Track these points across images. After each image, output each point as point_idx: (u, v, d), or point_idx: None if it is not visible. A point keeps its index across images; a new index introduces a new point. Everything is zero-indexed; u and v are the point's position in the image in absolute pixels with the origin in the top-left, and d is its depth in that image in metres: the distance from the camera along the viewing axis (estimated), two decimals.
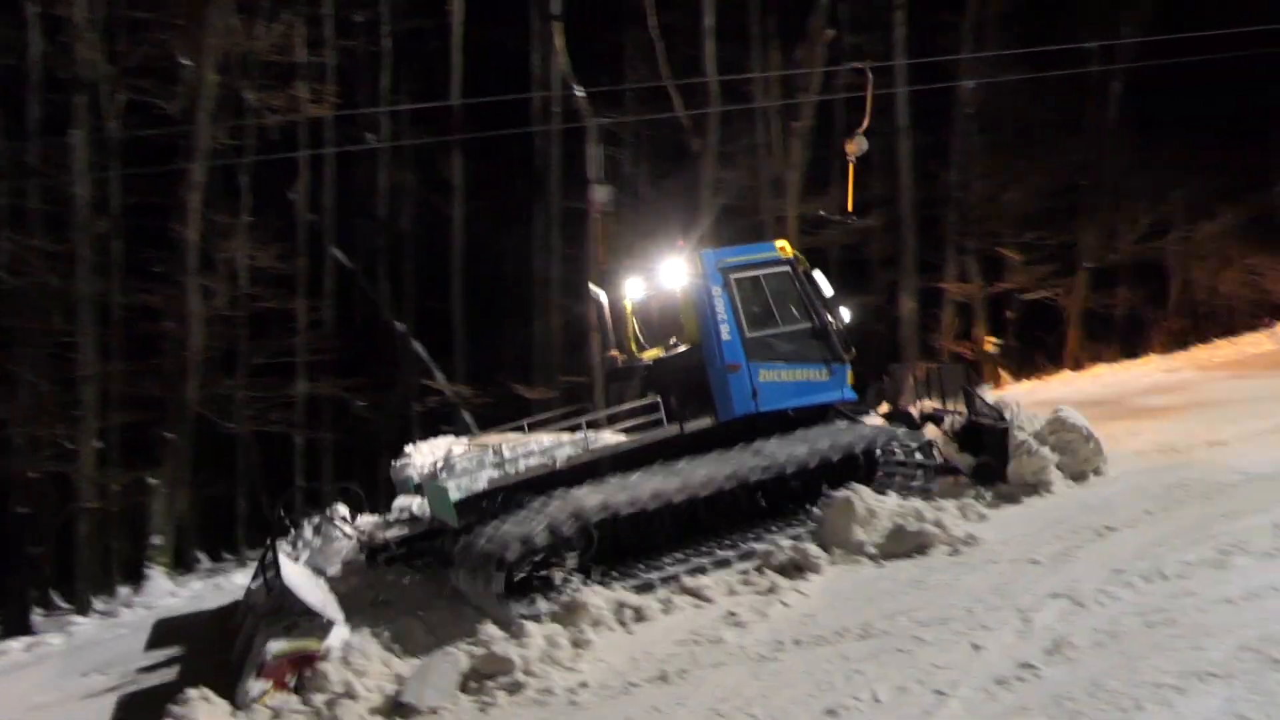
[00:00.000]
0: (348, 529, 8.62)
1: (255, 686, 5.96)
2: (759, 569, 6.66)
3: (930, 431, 9.06)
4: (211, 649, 7.55)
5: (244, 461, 17.69)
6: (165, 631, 8.48)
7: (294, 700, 5.84)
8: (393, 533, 8.50)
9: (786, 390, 8.65)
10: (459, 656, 5.82)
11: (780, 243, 9.13)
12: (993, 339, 20.45)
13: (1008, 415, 8.59)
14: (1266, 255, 20.43)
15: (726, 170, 18.83)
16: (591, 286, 10.58)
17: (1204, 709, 3.79)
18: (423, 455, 8.62)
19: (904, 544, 6.63)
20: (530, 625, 6.01)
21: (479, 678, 5.60)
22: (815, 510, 7.27)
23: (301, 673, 6.00)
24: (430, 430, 19.15)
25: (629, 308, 10.00)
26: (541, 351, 19.54)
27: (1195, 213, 20.73)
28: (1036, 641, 4.74)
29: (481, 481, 7.45)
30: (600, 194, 13.77)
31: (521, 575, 6.84)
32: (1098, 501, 7.23)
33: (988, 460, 8.60)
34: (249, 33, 15.52)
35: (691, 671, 5.23)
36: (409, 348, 19.40)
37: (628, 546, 7.31)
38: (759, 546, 7.04)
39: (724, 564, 6.98)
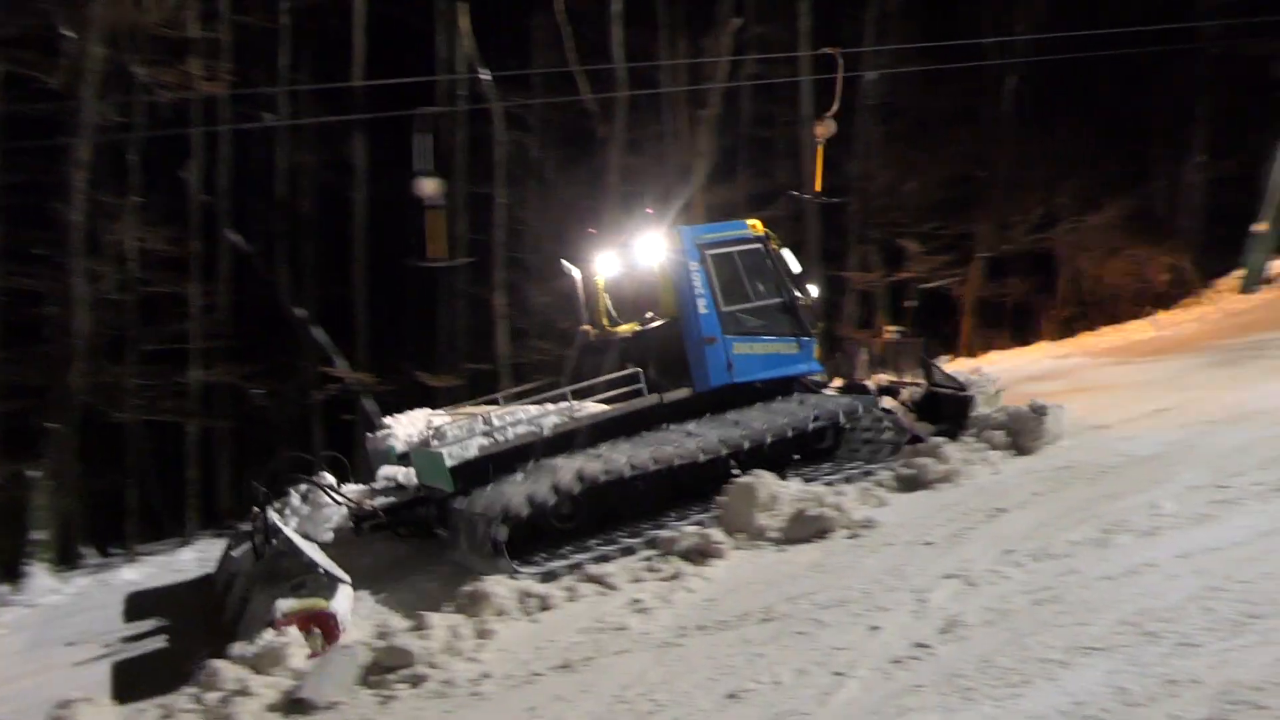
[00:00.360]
0: (337, 496, 8.79)
1: (267, 636, 5.96)
2: (664, 555, 6.69)
3: (887, 403, 9.49)
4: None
5: (134, 452, 17.03)
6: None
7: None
8: (379, 501, 8.76)
9: (759, 362, 9.08)
10: (357, 651, 5.72)
11: (752, 221, 9.53)
12: (892, 327, 20.94)
13: (968, 385, 9.46)
14: (1148, 246, 21.31)
15: (634, 157, 18.83)
16: (564, 262, 10.78)
17: (1086, 681, 3.93)
18: (403, 427, 9.20)
19: (805, 528, 6.73)
20: (433, 616, 5.95)
21: (380, 670, 5.51)
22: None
23: (311, 631, 6.07)
24: (331, 418, 18.92)
25: (601, 284, 10.40)
26: (447, 338, 19.29)
27: (1083, 205, 21.49)
28: (931, 621, 4.86)
29: (473, 449, 7.73)
30: (428, 186, 13.62)
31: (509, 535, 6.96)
32: (990, 484, 7.46)
33: (947, 427, 9.12)
34: (138, 5, 14.87)
35: (595, 659, 5.22)
36: (309, 334, 18.91)
37: (615, 509, 7.74)
38: (664, 534, 7.07)
39: (629, 551, 7.01)
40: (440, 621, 5.85)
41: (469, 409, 9.29)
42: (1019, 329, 21.27)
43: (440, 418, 9.03)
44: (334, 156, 19.39)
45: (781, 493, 7.08)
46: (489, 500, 7.18)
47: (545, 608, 6.16)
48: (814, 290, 9.84)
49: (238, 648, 5.89)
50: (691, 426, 8.15)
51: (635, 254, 9.68)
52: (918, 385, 9.93)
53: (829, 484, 7.88)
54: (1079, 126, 20.79)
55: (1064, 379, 12.53)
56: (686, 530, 6.90)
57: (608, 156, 18.41)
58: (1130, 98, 22.02)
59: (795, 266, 9.32)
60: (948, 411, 9.44)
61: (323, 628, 6.11)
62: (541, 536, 7.45)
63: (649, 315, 9.74)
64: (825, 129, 13.00)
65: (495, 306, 18.56)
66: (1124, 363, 13.35)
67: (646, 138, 19.75)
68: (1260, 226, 18.16)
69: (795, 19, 19.80)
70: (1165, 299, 19.62)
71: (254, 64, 18.98)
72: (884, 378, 10.34)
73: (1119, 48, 17.54)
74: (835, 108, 12.99)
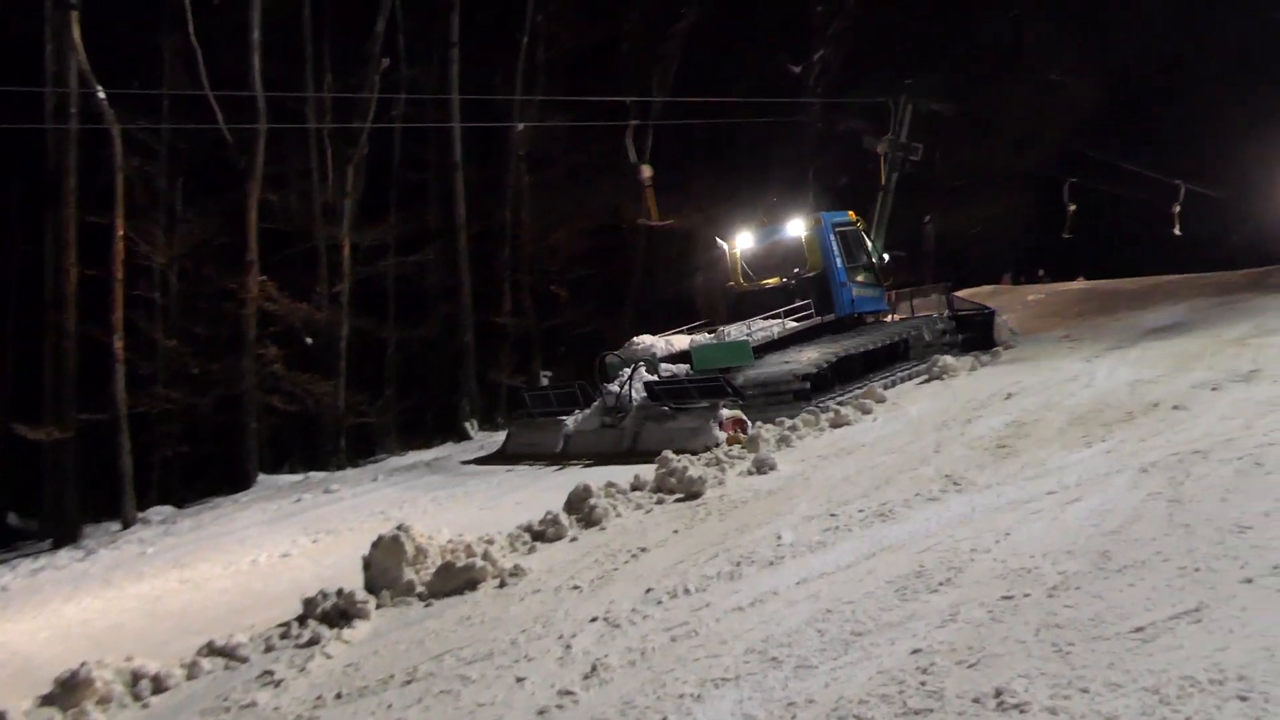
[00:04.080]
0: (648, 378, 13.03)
1: (720, 435, 10.75)
2: (300, 620, 6.23)
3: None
4: None
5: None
6: None
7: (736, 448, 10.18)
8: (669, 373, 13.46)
9: (864, 301, 16.08)
10: None
11: (852, 212, 16.49)
12: (546, 372, 21.39)
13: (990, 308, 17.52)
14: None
15: (276, 193, 17.83)
16: (717, 239, 17.51)
17: (717, 713, 4.08)
18: (645, 343, 14.19)
19: (453, 580, 6.56)
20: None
21: None
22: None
23: (741, 430, 10.84)
24: None
25: (738, 254, 16.89)
26: (53, 382, 17.00)
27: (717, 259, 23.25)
28: (576, 667, 4.87)
29: (752, 341, 13.54)
30: None
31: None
32: (634, 525, 7.71)
33: (973, 335, 16.43)
34: None
35: None
36: None
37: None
38: (306, 595, 6.61)
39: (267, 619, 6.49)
40: None
41: (680, 333, 14.86)
42: None
43: (680, 336, 14.61)
44: None
45: (429, 546, 6.86)
46: (780, 368, 12.68)
47: (160, 689, 5.49)
48: (887, 257, 16.90)
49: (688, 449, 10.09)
50: (843, 337, 14.61)
51: (782, 230, 16.37)
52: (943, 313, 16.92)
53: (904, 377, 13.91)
54: (713, 180, 22.53)
55: None
56: (327, 591, 6.48)
57: (247, 189, 17.25)
58: (757, 159, 24.26)
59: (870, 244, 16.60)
60: (975, 325, 16.80)
61: (742, 427, 10.95)
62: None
63: (795, 270, 15.89)
64: (649, 171, 17.86)
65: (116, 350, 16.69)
66: None
67: (291, 173, 18.80)
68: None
69: (447, 65, 19.81)
70: None
71: None
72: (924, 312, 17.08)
73: (743, 115, 19.30)
74: (635, 156, 18.50)
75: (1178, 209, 24.86)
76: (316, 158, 18.66)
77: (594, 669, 4.77)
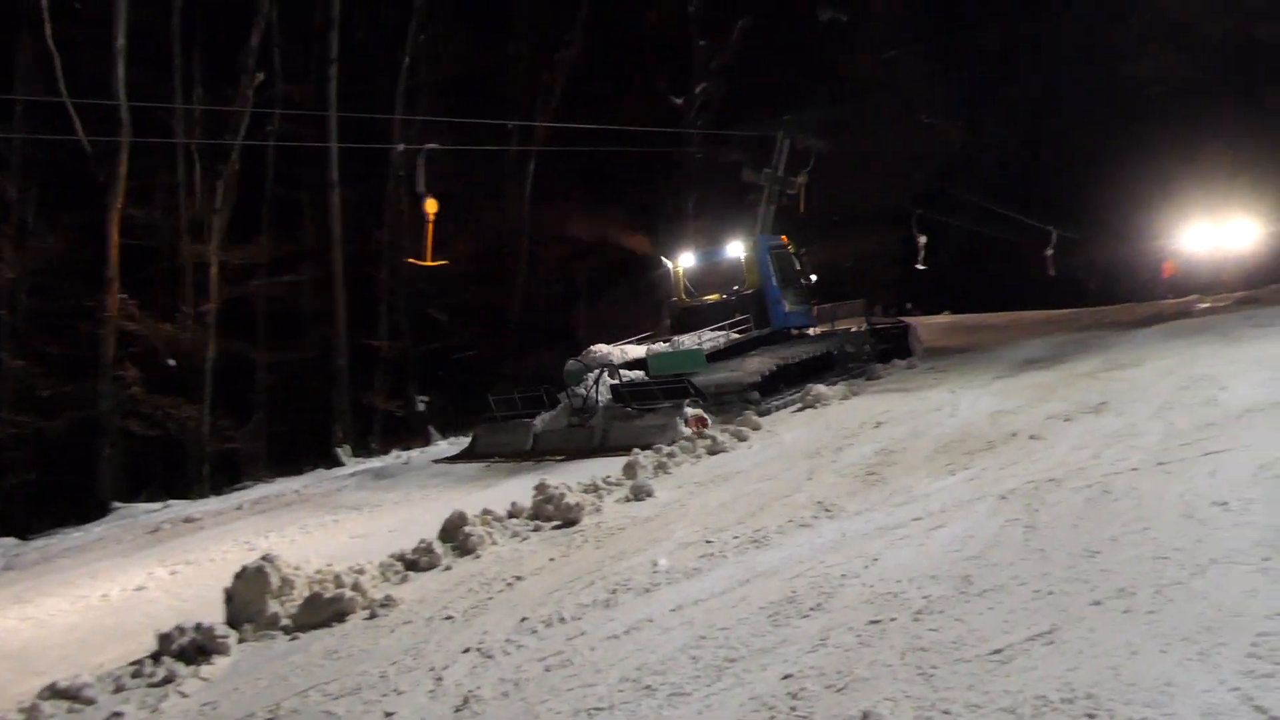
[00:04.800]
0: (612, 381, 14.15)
1: (685, 430, 12.00)
2: (154, 657, 5.90)
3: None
4: None
5: None
6: None
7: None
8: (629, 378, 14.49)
9: (794, 317, 17.85)
10: None
11: (784, 236, 18.33)
12: (423, 397, 21.01)
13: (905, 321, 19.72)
14: (651, 325, 23.71)
15: (139, 207, 17.09)
16: (663, 258, 19.05)
17: None
18: (602, 352, 15.20)
19: (320, 612, 6.34)
20: None
21: None
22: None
23: (701, 427, 12.21)
24: None
25: (681, 272, 18.45)
26: None
27: (598, 283, 23.42)
28: (447, 700, 4.76)
29: (706, 348, 15.17)
30: None
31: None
32: (510, 553, 7.61)
33: (890, 347, 18.18)
34: None
35: None
36: None
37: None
38: (161, 630, 6.27)
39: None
40: None
41: (630, 343, 15.99)
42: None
43: (631, 346, 15.85)
44: None
45: (295, 576, 6.62)
46: (732, 374, 14.11)
47: None
48: (814, 277, 18.56)
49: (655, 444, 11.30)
50: (779, 347, 15.95)
51: (722, 251, 18.13)
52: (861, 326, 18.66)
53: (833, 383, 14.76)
54: (594, 210, 22.67)
55: None
56: (184, 626, 6.16)
57: (107, 204, 16.47)
58: (641, 188, 24.53)
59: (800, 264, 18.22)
60: (891, 338, 18.63)
61: (703, 423, 12.30)
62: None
63: (735, 288, 17.65)
64: (435, 204, 16.92)
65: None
66: None
67: (156, 188, 18.06)
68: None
69: (324, 82, 19.41)
70: None
71: None
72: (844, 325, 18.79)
73: (624, 142, 19.51)
74: (421, 185, 17.44)
75: (1050, 252, 26.56)
76: (184, 172, 17.99)
77: (466, 701, 4.67)
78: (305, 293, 20.24)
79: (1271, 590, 4.27)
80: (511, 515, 8.57)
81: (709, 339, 15.86)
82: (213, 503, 14.64)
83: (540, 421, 14.14)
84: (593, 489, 9.43)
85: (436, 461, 15.17)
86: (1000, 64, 34.03)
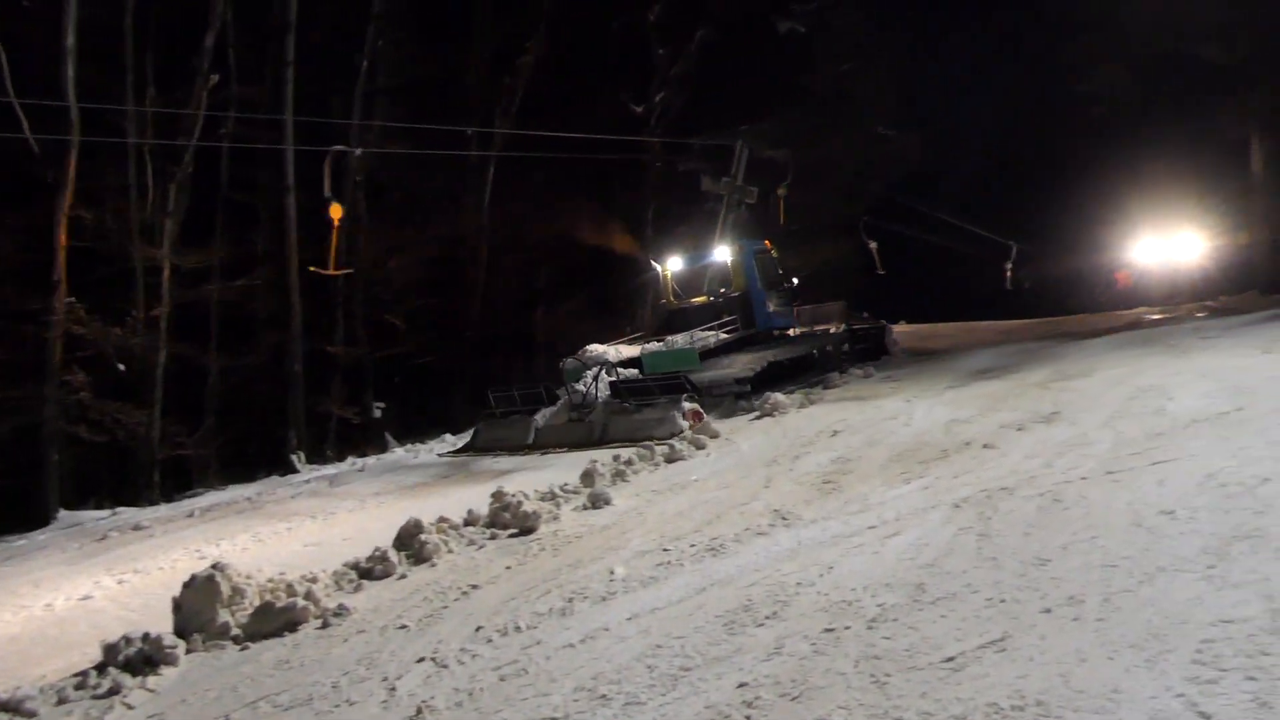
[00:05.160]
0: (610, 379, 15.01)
1: (684, 424, 12.89)
2: (100, 668, 5.78)
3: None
4: None
5: None
6: None
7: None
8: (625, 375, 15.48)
9: (777, 318, 18.77)
10: None
11: (768, 241, 19.51)
12: (379, 403, 20.82)
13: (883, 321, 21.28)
14: (611, 332, 23.76)
15: (89, 209, 16.77)
16: (651, 261, 20.42)
17: None
18: (598, 351, 16.36)
19: (272, 622, 6.24)
20: None
21: None
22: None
23: (698, 420, 13.07)
24: None
25: (669, 275, 19.57)
26: None
27: (556, 292, 23.38)
28: (400, 710, 4.71)
29: (698, 346, 16.20)
30: None
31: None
32: (466, 561, 7.56)
33: (868, 346, 19.46)
34: None
35: None
36: None
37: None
38: (106, 640, 6.13)
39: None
40: None
41: (622, 343, 17.25)
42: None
43: (624, 346, 17.05)
44: None
45: (246, 585, 6.52)
46: (726, 371, 15.27)
47: None
48: (795, 281, 19.51)
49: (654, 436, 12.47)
50: (765, 347, 17.10)
51: (709, 255, 19.22)
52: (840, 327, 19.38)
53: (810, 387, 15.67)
54: (551, 218, 22.65)
55: (520, 454, 13.34)
56: (132, 637, 6.04)
57: (55, 206, 16.14)
58: (601, 195, 24.54)
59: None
60: (868, 336, 19.97)
61: (699, 416, 13.21)
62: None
63: (722, 290, 18.88)
64: (339, 210, 16.29)
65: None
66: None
67: (107, 190, 17.73)
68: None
69: (281, 85, 19.19)
70: None
71: None
72: (822, 327, 19.78)
73: (586, 151, 19.51)
74: (328, 190, 16.46)
75: (1009, 265, 27.17)
76: (136, 174, 17.66)
77: (419, 712, 4.63)
78: (260, 297, 19.96)
79: (1216, 598, 4.35)
80: (468, 523, 8.51)
81: (699, 339, 16.83)
82: (163, 510, 14.38)
83: (541, 417, 14.91)
84: (550, 497, 9.39)
85: (441, 455, 15.62)
86: (956, 79, 34.59)
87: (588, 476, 10.09)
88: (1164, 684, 3.63)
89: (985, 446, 8.92)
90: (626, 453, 11.29)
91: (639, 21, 27.83)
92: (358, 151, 19.63)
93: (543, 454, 13.62)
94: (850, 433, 11.12)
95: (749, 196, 20.06)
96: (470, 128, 20.64)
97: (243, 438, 20.20)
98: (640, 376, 15.08)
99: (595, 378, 14.95)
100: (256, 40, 19.83)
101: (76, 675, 5.80)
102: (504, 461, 13.76)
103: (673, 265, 19.44)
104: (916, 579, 5.30)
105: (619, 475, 10.34)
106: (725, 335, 17.35)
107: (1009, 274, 28.00)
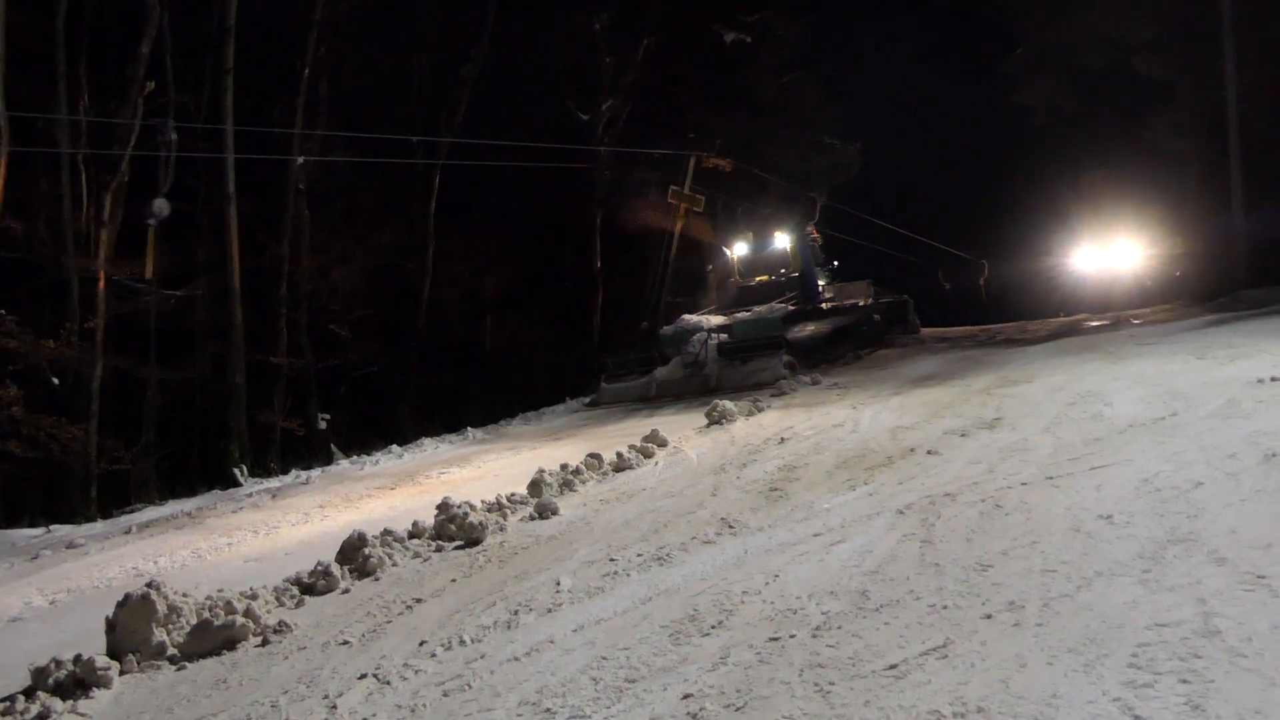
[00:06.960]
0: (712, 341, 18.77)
1: (784, 370, 16.87)
2: (27, 693, 5.59)
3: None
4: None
5: None
6: None
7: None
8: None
9: (822, 293, 22.67)
10: None
11: (811, 226, 23.51)
12: (324, 415, 20.51)
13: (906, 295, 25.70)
14: (564, 341, 23.73)
15: (18, 220, 16.33)
16: (723, 248, 24.21)
17: None
18: (692, 320, 20.24)
19: (210, 640, 6.10)
20: None
21: None
22: None
23: (793, 368, 17.34)
24: None
25: (736, 259, 23.69)
26: None
27: (505, 300, 23.27)
28: None
29: (779, 313, 20.41)
30: None
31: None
32: (411, 575, 7.46)
33: (895, 316, 23.69)
34: None
35: None
36: None
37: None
38: (36, 664, 5.95)
39: None
40: None
41: (708, 313, 21.19)
42: (452, 415, 22.09)
43: (710, 316, 20.69)
44: None
45: (183, 604, 6.36)
46: (807, 331, 19.65)
47: None
48: (835, 263, 23.99)
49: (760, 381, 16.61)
50: (822, 316, 21.08)
51: (771, 241, 23.24)
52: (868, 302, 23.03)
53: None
54: (495, 227, 22.58)
55: (470, 463, 13.29)
56: (63, 658, 5.86)
57: None
58: (546, 204, 24.51)
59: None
60: (895, 311, 23.81)
61: (794, 367, 17.25)
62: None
63: (782, 270, 22.79)
64: (156, 209, 16.22)
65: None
66: (530, 448, 14.44)
67: (38, 199, 17.28)
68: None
69: (221, 93, 18.86)
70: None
71: None
72: (851, 301, 23.01)
73: (531, 160, 19.46)
74: (166, 187, 16.92)
75: (983, 280, 28.76)
76: (69, 184, 17.22)
77: None
78: (200, 308, 19.57)
79: (1151, 601, 4.44)
80: (413, 535, 8.41)
81: (777, 309, 20.61)
82: (99, 527, 13.99)
83: (660, 372, 18.34)
84: (496, 507, 9.31)
85: (574, 412, 18.34)
86: (897, 91, 35.12)
87: (535, 486, 10.02)
88: (1101, 688, 3.68)
89: (929, 453, 9.02)
90: (575, 462, 11.23)
91: (585, 30, 27.83)
92: (299, 160, 19.35)
93: (656, 405, 16.88)
94: (797, 440, 11.19)
95: (695, 204, 20.90)
96: (415, 136, 20.44)
97: (183, 451, 19.78)
98: (742, 338, 18.64)
99: (705, 340, 18.25)
100: (195, 47, 19.48)
101: (3, 701, 5.61)
102: (642, 407, 17.18)
103: (739, 250, 23.63)
104: (861, 586, 5.33)
105: (566, 485, 10.29)
106: (791, 308, 21.03)
107: (945, 277, 29.66)
